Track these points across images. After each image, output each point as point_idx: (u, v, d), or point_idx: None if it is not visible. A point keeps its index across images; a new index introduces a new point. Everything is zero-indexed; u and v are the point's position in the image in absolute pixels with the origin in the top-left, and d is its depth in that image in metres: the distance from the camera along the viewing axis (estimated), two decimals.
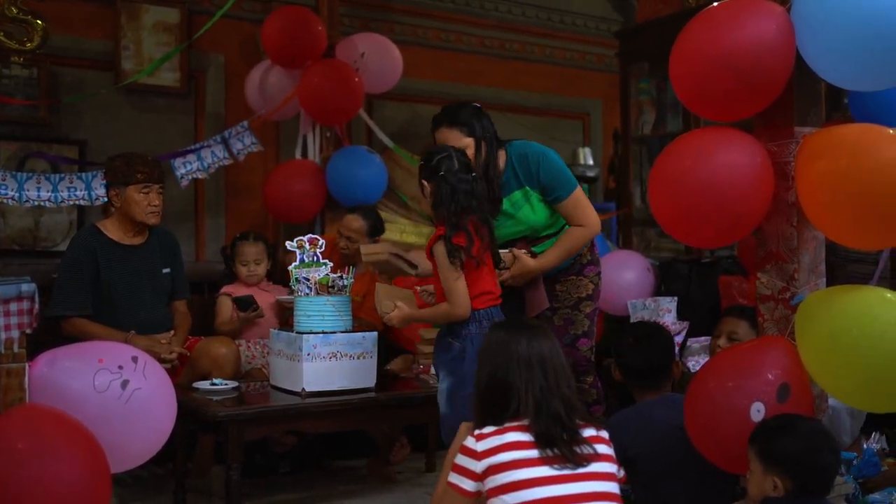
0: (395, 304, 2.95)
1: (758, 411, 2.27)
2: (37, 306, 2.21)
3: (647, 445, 2.54)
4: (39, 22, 3.99)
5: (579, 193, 3.16)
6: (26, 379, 2.12)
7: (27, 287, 2.23)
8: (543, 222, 3.16)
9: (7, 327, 2.16)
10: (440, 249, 2.73)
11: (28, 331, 2.23)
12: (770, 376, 2.31)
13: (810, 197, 2.35)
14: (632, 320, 4.28)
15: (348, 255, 4.13)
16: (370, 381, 3.27)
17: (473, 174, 2.84)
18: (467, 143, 3.01)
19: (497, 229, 3.09)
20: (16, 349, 2.09)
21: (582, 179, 6.15)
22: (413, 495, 3.65)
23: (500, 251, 3.07)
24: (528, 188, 3.10)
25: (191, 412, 3.06)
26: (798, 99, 2.45)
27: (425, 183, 2.83)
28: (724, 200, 2.40)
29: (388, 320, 2.98)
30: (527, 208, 3.12)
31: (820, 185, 2.30)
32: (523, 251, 3.10)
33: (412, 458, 3.99)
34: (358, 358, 3.22)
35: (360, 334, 3.26)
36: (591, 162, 6.63)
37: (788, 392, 2.29)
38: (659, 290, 4.58)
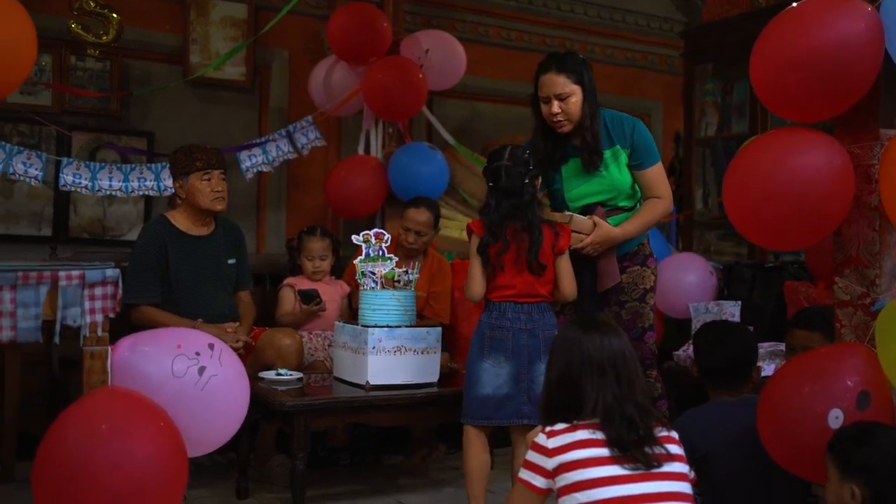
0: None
1: (836, 418, 2.22)
2: (119, 291, 2.24)
3: (719, 446, 2.50)
4: (115, 16, 4.09)
5: (661, 167, 3.21)
6: (109, 362, 2.17)
7: (111, 272, 2.28)
8: (626, 187, 3.16)
9: (91, 311, 2.21)
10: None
11: (111, 315, 2.27)
12: (849, 383, 2.25)
13: (895, 200, 2.30)
14: (693, 323, 4.24)
15: (415, 249, 4.12)
16: (433, 376, 3.28)
17: (531, 168, 2.93)
18: (574, 89, 3.05)
19: (579, 187, 3.15)
20: (100, 333, 2.14)
21: None
22: None
23: (581, 217, 3.10)
24: (618, 146, 3.12)
25: (256, 402, 3.08)
26: (885, 100, 2.39)
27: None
28: (802, 202, 2.35)
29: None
30: (614, 167, 3.13)
31: None
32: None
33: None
34: (422, 353, 3.24)
35: (424, 329, 3.27)
36: None
37: (869, 400, 2.24)
38: (721, 294, 4.52)
